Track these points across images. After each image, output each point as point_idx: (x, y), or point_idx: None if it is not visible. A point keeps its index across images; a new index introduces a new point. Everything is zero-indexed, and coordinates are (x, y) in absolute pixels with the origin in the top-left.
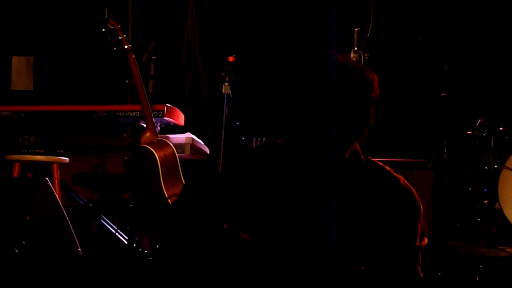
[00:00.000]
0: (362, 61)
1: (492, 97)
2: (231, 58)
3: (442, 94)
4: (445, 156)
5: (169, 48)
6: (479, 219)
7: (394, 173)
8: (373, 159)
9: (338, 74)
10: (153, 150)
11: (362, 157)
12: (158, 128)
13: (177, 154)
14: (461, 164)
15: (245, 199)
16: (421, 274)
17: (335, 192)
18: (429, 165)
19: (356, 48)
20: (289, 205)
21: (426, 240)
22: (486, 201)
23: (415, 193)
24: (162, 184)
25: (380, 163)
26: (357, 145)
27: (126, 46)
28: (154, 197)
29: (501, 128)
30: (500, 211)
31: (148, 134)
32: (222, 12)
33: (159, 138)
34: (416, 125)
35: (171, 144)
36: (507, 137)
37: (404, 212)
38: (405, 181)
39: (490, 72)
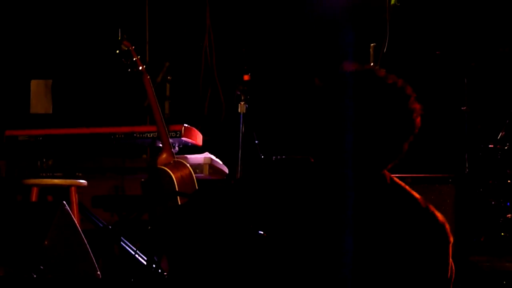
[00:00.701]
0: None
1: None
2: (246, 77)
3: (462, 108)
4: (467, 170)
5: (187, 68)
6: (502, 234)
7: (423, 201)
8: (398, 181)
9: (371, 90)
10: (169, 171)
11: (388, 179)
12: (176, 148)
13: (194, 175)
14: (483, 178)
15: (262, 209)
16: None
17: (358, 217)
18: (450, 180)
19: (372, 64)
20: (309, 225)
21: (453, 277)
22: (509, 215)
23: (446, 224)
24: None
25: (406, 186)
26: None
27: (140, 67)
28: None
29: None
30: None
31: (164, 155)
32: (238, 31)
33: (176, 159)
34: (437, 139)
35: (188, 165)
36: None
37: (435, 246)
38: (434, 211)
39: (511, 85)
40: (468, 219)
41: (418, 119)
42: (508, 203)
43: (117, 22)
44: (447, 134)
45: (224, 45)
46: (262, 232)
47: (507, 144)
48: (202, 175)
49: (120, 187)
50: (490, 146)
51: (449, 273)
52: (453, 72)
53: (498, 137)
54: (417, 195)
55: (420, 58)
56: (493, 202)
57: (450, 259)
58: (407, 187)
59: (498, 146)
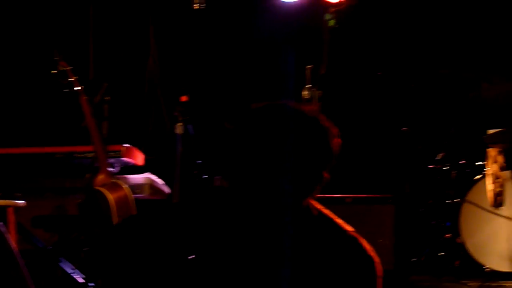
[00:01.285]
0: (314, 99)
1: (452, 131)
2: (184, 98)
3: (403, 129)
4: (408, 190)
5: (131, 88)
6: (441, 253)
7: (351, 232)
8: (325, 211)
9: (295, 125)
10: (105, 193)
11: (315, 210)
12: (118, 168)
13: (131, 196)
14: (423, 198)
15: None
16: None
17: (285, 251)
18: (390, 200)
19: (309, 85)
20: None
21: None
22: (448, 235)
23: (375, 257)
24: None
25: (333, 216)
26: (309, 200)
27: (77, 88)
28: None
29: (462, 162)
30: (462, 244)
31: (101, 176)
32: (181, 51)
33: (113, 180)
34: (377, 160)
35: (125, 186)
36: (468, 170)
37: (363, 279)
38: (363, 242)
39: (450, 106)
40: (408, 239)
41: (336, 146)
42: (448, 223)
43: (58, 42)
44: (387, 155)
45: (170, 65)
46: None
47: (447, 164)
48: (142, 195)
49: (61, 207)
50: (430, 166)
51: None
52: (394, 93)
53: (438, 158)
54: (346, 226)
55: (362, 79)
56: (433, 222)
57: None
58: (334, 217)
59: (438, 166)
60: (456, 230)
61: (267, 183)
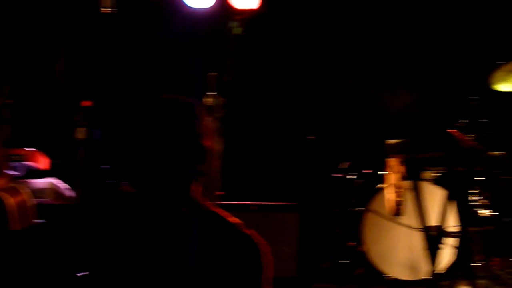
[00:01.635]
0: (217, 106)
1: (357, 140)
2: (86, 103)
3: (309, 137)
4: (313, 198)
5: (40, 92)
6: (345, 261)
7: (240, 225)
8: (215, 208)
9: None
10: (3, 197)
11: (203, 207)
12: (23, 172)
13: (31, 201)
14: (328, 206)
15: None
16: None
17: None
18: (294, 208)
19: (212, 93)
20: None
21: None
22: (352, 243)
23: (265, 246)
24: None
25: (223, 213)
26: (198, 194)
27: None
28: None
29: (366, 171)
30: (365, 253)
31: (0, 181)
32: (90, 55)
33: (12, 185)
34: (283, 168)
35: (24, 191)
36: (371, 179)
37: (251, 268)
38: (252, 234)
39: (356, 116)
40: (312, 247)
41: (208, 143)
42: (352, 231)
43: None
44: (293, 163)
45: (78, 69)
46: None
47: (351, 173)
48: (45, 200)
49: None
50: (335, 175)
51: None
52: (300, 102)
53: (343, 167)
54: (235, 220)
55: (267, 87)
56: (338, 230)
57: (268, 279)
58: (224, 213)
59: (342, 175)
60: (359, 239)
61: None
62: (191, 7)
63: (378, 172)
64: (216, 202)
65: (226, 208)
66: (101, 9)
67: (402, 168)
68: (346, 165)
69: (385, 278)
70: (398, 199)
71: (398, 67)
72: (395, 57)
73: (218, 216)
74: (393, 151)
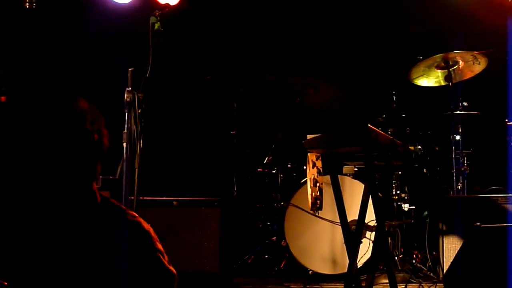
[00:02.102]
0: (136, 102)
1: (280, 135)
2: (3, 98)
3: (231, 132)
4: (235, 193)
5: None
6: (267, 256)
7: (130, 213)
8: (111, 200)
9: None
10: None
11: (98, 197)
12: None
13: None
14: (251, 201)
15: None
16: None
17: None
18: (216, 203)
19: (130, 88)
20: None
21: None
22: (274, 238)
23: (152, 232)
24: None
25: (116, 202)
26: (94, 186)
27: None
28: None
29: (289, 166)
30: (287, 247)
31: None
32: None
33: None
34: (205, 163)
35: None
36: (294, 174)
37: (143, 251)
38: (141, 221)
39: (278, 111)
40: (234, 242)
41: (105, 141)
42: (276, 226)
43: None
44: (215, 158)
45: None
46: None
47: (274, 168)
48: None
49: None
50: (258, 170)
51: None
52: (223, 97)
53: (265, 161)
54: (124, 207)
55: (189, 83)
56: (260, 225)
57: (164, 267)
58: (117, 203)
59: (266, 170)
60: (281, 233)
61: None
62: (113, 2)
63: (302, 167)
64: (138, 198)
65: (149, 204)
66: (25, 4)
67: (319, 163)
68: (268, 160)
69: (309, 272)
70: (317, 194)
71: (321, 62)
72: (318, 52)
73: (113, 205)
74: (312, 145)
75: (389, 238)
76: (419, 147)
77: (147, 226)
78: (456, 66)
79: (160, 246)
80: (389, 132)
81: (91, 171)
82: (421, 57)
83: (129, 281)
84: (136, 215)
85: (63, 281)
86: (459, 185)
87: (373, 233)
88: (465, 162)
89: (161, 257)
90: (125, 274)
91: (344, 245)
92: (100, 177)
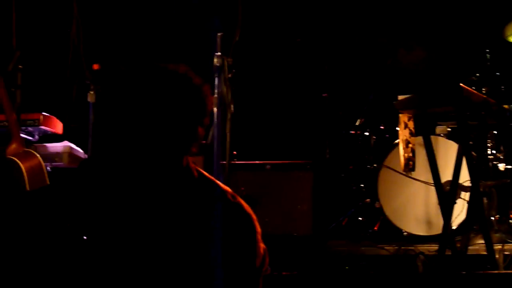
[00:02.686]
0: (226, 66)
1: (372, 97)
2: (95, 66)
3: (323, 95)
4: (328, 156)
5: (55, 56)
6: (360, 218)
7: (230, 193)
8: (206, 174)
9: (164, 84)
10: (18, 162)
11: (195, 173)
12: (37, 137)
13: (43, 164)
14: (344, 163)
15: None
16: None
17: (167, 213)
18: (308, 166)
19: (219, 53)
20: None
21: (267, 261)
22: (368, 200)
23: (253, 215)
24: None
25: (213, 179)
26: (190, 162)
27: None
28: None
29: (382, 127)
30: (381, 209)
31: (14, 145)
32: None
33: (26, 149)
34: (299, 126)
35: (38, 155)
36: (387, 135)
37: (242, 236)
38: (241, 201)
39: (369, 72)
40: (327, 204)
41: (209, 104)
42: (369, 188)
43: None
44: (308, 121)
45: (94, 32)
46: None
47: (367, 130)
48: (61, 163)
49: None
50: (351, 132)
51: (258, 262)
52: (314, 59)
53: (357, 123)
54: (225, 187)
55: (279, 46)
56: (354, 187)
57: (261, 248)
58: (214, 179)
59: (358, 132)
60: (374, 195)
61: (141, 145)
62: None
63: (395, 129)
64: (231, 163)
65: (241, 168)
66: None
67: (411, 124)
68: (360, 122)
69: (403, 234)
70: (409, 155)
71: (411, 22)
72: (408, 11)
73: (211, 182)
74: (403, 106)
75: (485, 199)
76: None
77: (247, 207)
78: None
79: (259, 229)
80: (483, 91)
81: (194, 134)
82: None
83: (222, 262)
84: (236, 195)
85: (153, 259)
86: None
87: (468, 193)
88: None
89: (259, 243)
90: (220, 255)
91: (439, 206)
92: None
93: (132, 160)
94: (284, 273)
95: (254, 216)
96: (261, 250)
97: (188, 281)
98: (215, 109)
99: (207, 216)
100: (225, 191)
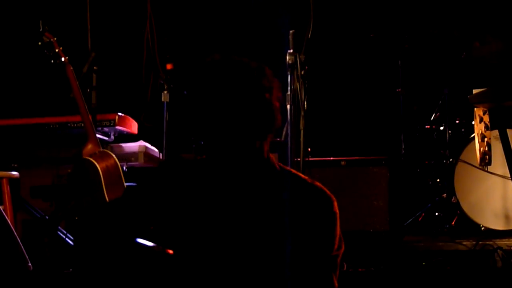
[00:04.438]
0: (298, 64)
1: (446, 91)
2: (169, 66)
3: (397, 90)
4: (403, 151)
5: (130, 56)
6: (437, 213)
7: (311, 180)
8: (286, 167)
9: (232, 74)
10: (95, 162)
11: (277, 166)
12: (112, 137)
13: (119, 164)
14: (419, 158)
15: (163, 214)
16: (336, 285)
17: (252, 202)
18: (383, 162)
19: (292, 50)
20: (208, 218)
21: (343, 248)
22: (444, 195)
23: (334, 201)
24: (106, 195)
25: (295, 171)
26: (271, 156)
27: (63, 59)
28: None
29: (457, 121)
30: (458, 204)
31: (90, 146)
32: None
33: (102, 149)
34: (373, 122)
35: (113, 155)
36: (463, 129)
37: (319, 221)
38: (324, 190)
39: (443, 66)
40: (403, 200)
41: (275, 92)
42: (445, 183)
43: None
44: (383, 116)
45: (166, 32)
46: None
47: (442, 124)
48: (137, 163)
49: (59, 176)
50: (426, 127)
51: (336, 244)
52: (387, 55)
53: (432, 118)
54: (304, 176)
55: (352, 42)
56: (430, 182)
57: (338, 231)
58: (294, 170)
59: (433, 126)
60: (451, 190)
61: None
62: None
63: (471, 123)
64: (306, 160)
65: (317, 164)
66: None
67: (487, 118)
68: (436, 116)
69: (481, 228)
70: (485, 149)
71: (486, 15)
72: (482, 5)
73: (292, 173)
74: (478, 100)
75: None
76: None
77: (329, 193)
78: None
79: (338, 211)
80: None
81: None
82: None
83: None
84: (317, 182)
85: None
86: None
87: None
88: None
89: (338, 226)
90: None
91: None
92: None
93: (214, 149)
94: (360, 269)
95: (334, 198)
96: (340, 236)
97: (270, 268)
98: (288, 106)
99: (290, 200)
100: (304, 178)
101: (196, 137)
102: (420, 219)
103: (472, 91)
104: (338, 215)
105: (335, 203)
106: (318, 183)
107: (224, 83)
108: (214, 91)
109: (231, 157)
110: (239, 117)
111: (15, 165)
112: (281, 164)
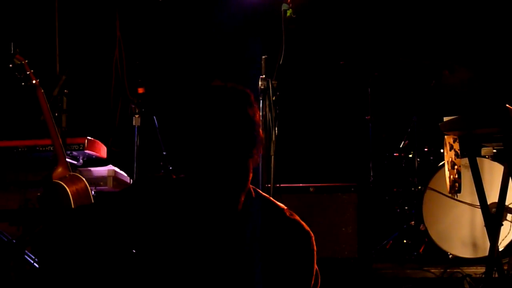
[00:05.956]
0: (270, 89)
1: (415, 119)
2: (140, 90)
3: (366, 117)
4: (372, 178)
5: (100, 80)
6: (405, 241)
7: (289, 213)
8: (262, 193)
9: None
10: (65, 185)
11: (253, 193)
12: (81, 161)
13: (89, 188)
14: (388, 185)
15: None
16: None
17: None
18: (352, 189)
19: (264, 76)
20: (177, 239)
21: (319, 284)
22: (412, 222)
23: (312, 237)
24: None
25: (270, 198)
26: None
27: (34, 81)
28: None
29: (426, 149)
30: (426, 231)
31: (60, 169)
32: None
33: (72, 173)
34: (342, 149)
35: (84, 179)
36: (431, 157)
37: (296, 258)
38: (303, 225)
39: (412, 94)
40: (371, 227)
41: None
42: (414, 210)
43: (17, 36)
44: (351, 144)
45: (134, 57)
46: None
47: (411, 152)
48: (106, 187)
49: (26, 200)
50: (394, 154)
51: (313, 281)
52: (357, 82)
53: (401, 146)
54: (282, 206)
55: (322, 69)
56: (398, 210)
57: (315, 268)
58: (271, 198)
59: (402, 154)
60: (419, 218)
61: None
62: None
63: (439, 150)
64: (275, 186)
65: (286, 190)
66: None
67: (457, 145)
68: (404, 144)
69: (449, 256)
70: (455, 176)
71: (456, 43)
72: (452, 33)
73: (268, 201)
74: (449, 128)
75: None
76: None
77: (307, 228)
78: None
79: (315, 248)
80: None
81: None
82: None
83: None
84: (293, 213)
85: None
86: None
87: None
88: None
89: (315, 262)
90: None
91: (485, 228)
92: None
93: (200, 167)
94: None
95: (312, 234)
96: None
97: None
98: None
99: (266, 233)
100: (282, 209)
101: (183, 155)
102: (388, 247)
103: (441, 119)
104: (315, 252)
105: (313, 239)
106: (296, 216)
107: (217, 108)
108: (207, 115)
109: (215, 176)
110: (229, 138)
111: None
112: (258, 190)
